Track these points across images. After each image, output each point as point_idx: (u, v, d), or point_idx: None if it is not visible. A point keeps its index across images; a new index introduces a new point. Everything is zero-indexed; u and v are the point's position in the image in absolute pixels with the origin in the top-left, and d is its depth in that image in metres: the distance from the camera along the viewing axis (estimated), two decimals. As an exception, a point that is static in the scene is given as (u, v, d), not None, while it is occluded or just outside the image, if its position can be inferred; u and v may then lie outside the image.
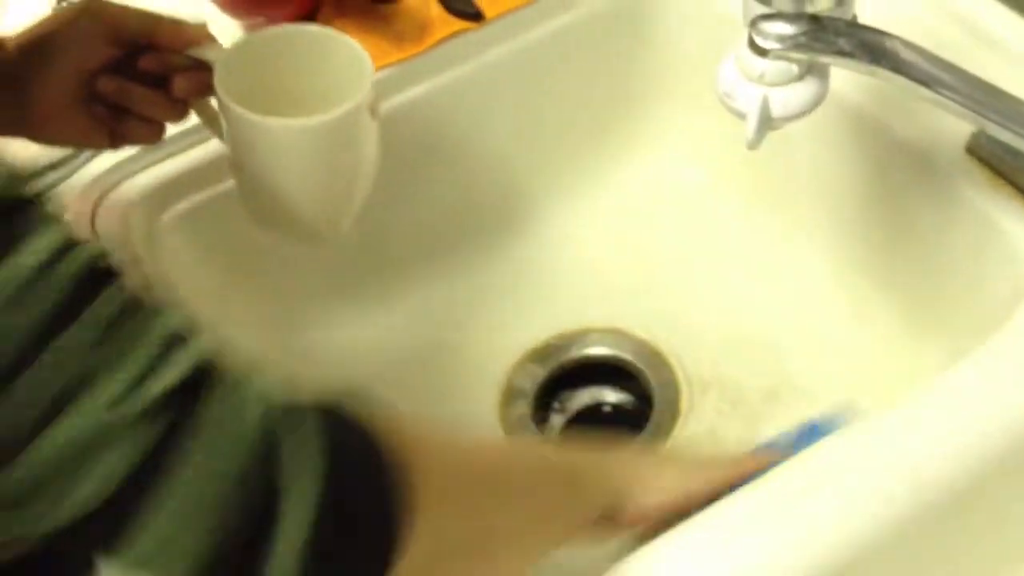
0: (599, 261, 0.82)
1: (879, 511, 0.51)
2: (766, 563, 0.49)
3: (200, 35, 0.60)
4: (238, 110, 0.58)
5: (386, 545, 0.41)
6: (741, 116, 0.51)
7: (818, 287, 0.75)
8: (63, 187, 0.71)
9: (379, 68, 0.74)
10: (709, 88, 0.80)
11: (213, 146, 0.64)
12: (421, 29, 0.77)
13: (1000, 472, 0.53)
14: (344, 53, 0.62)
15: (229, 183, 0.67)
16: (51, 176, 0.71)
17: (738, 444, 0.71)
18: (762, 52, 0.49)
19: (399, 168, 0.73)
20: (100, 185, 0.70)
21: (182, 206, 0.71)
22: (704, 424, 0.72)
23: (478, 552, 0.47)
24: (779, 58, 0.50)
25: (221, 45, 0.60)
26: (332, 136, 0.60)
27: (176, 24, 0.60)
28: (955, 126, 0.64)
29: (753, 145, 0.51)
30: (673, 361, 0.75)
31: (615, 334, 0.77)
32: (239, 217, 0.65)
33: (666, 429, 0.73)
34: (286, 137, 0.59)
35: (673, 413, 0.73)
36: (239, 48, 0.61)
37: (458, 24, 0.77)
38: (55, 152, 0.69)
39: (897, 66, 0.49)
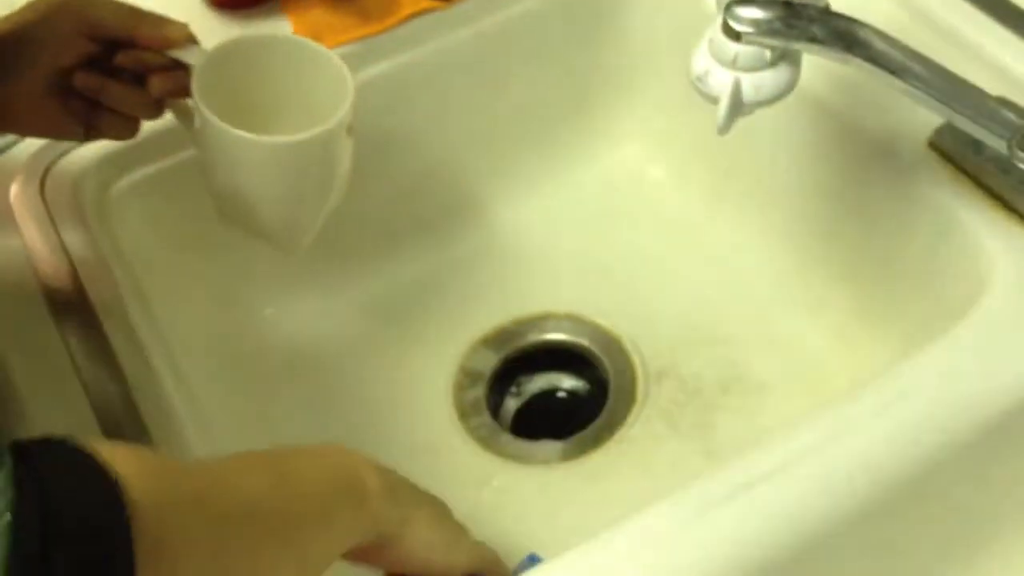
0: (558, 250, 0.82)
1: (834, 502, 0.51)
2: (719, 553, 0.49)
3: (181, 36, 0.58)
4: (214, 120, 0.57)
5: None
6: (713, 100, 0.51)
7: (777, 280, 0.75)
8: (10, 153, 0.70)
9: (341, 43, 0.73)
10: (672, 80, 0.81)
11: (169, 117, 0.62)
12: (386, 6, 0.76)
13: (956, 462, 0.54)
14: (326, 67, 0.61)
15: (185, 154, 0.65)
16: (-2, 142, 0.69)
17: (693, 431, 0.71)
18: (736, 36, 0.49)
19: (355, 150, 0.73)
20: (50, 153, 0.68)
21: (136, 176, 0.70)
22: (658, 412, 0.72)
23: None
24: (752, 43, 0.49)
25: (201, 48, 0.59)
26: (308, 154, 0.59)
27: (157, 23, 0.58)
28: (918, 120, 0.64)
29: (723, 130, 0.51)
30: (630, 348, 0.75)
31: (572, 320, 0.77)
32: (194, 191, 0.64)
33: (620, 416, 0.73)
34: (260, 152, 0.58)
35: (628, 400, 0.73)
36: (219, 52, 0.60)
37: (425, 3, 0.76)
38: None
39: (869, 55, 0.49)
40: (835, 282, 0.72)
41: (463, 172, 0.83)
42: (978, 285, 0.59)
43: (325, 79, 0.60)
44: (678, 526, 0.49)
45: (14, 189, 0.67)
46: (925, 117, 0.61)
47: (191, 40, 0.59)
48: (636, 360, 0.74)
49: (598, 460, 0.70)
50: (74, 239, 0.63)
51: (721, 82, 0.50)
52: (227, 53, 0.60)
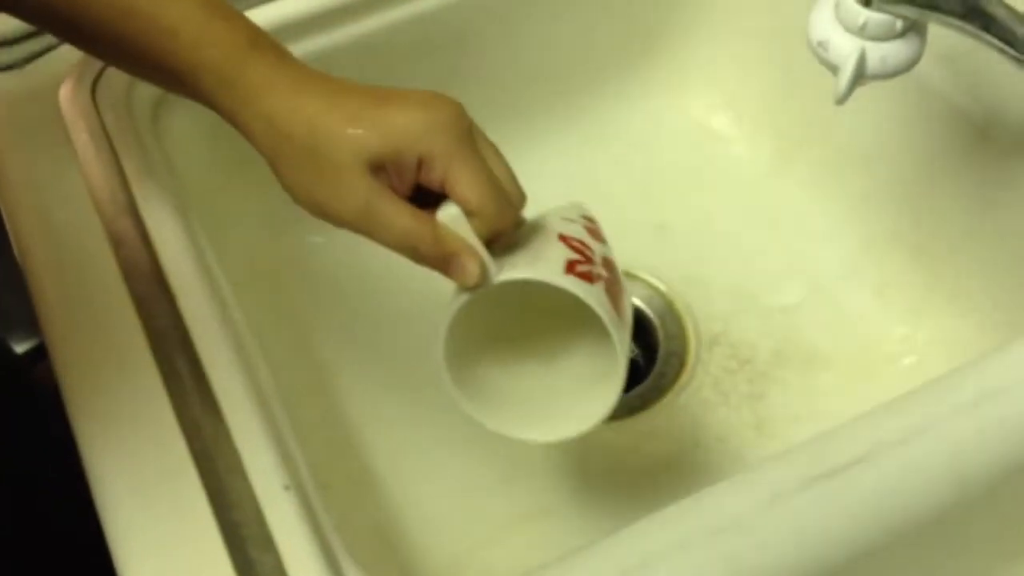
0: (614, 198, 0.78)
1: (913, 501, 0.49)
2: (790, 544, 0.47)
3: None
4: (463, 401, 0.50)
5: None
6: (832, 68, 0.48)
7: (845, 252, 0.72)
8: (59, 52, 0.66)
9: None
10: (749, 32, 0.77)
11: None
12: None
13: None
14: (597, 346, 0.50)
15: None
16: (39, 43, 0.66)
17: (744, 401, 0.69)
18: (866, 1, 0.46)
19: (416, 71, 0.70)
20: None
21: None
22: (709, 379, 0.70)
23: None
24: (884, 10, 0.46)
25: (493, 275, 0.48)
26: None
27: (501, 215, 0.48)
28: (1021, 100, 0.61)
29: (842, 100, 0.48)
30: (683, 311, 0.72)
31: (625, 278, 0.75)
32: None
33: (670, 381, 0.70)
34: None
35: (678, 365, 0.70)
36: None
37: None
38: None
39: (1006, 37, 0.46)
40: (910, 260, 0.69)
41: (515, 114, 0.80)
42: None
43: (591, 355, 0.53)
44: (751, 510, 0.47)
45: (64, 91, 0.63)
46: (1027, 98, 0.59)
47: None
48: (689, 324, 0.72)
49: (644, 423, 0.68)
50: (126, 148, 0.60)
51: (844, 50, 0.47)
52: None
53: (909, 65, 0.48)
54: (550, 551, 0.47)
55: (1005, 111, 0.62)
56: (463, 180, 0.46)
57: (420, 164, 0.47)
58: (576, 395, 0.51)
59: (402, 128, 0.47)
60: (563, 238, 0.50)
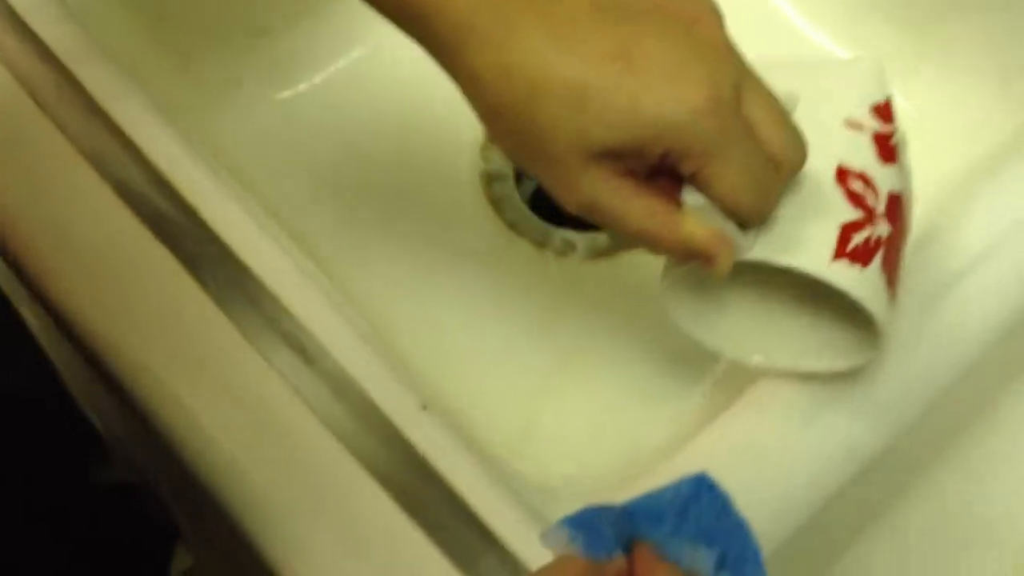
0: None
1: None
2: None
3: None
4: None
5: None
6: None
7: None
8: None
9: None
10: None
11: None
12: None
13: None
14: None
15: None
16: None
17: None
18: None
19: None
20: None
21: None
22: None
23: None
24: None
25: None
26: None
27: None
28: None
29: None
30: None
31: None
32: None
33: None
34: None
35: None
36: None
37: None
38: None
39: None
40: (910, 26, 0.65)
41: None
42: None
43: None
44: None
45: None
46: None
47: None
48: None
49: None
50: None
51: None
52: None
53: None
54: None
55: None
56: (723, 181, 0.38)
57: (667, 154, 0.37)
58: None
59: (646, 119, 0.36)
60: (842, 176, 0.41)
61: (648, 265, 0.64)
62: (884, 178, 0.42)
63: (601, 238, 0.64)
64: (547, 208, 0.66)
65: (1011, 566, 0.50)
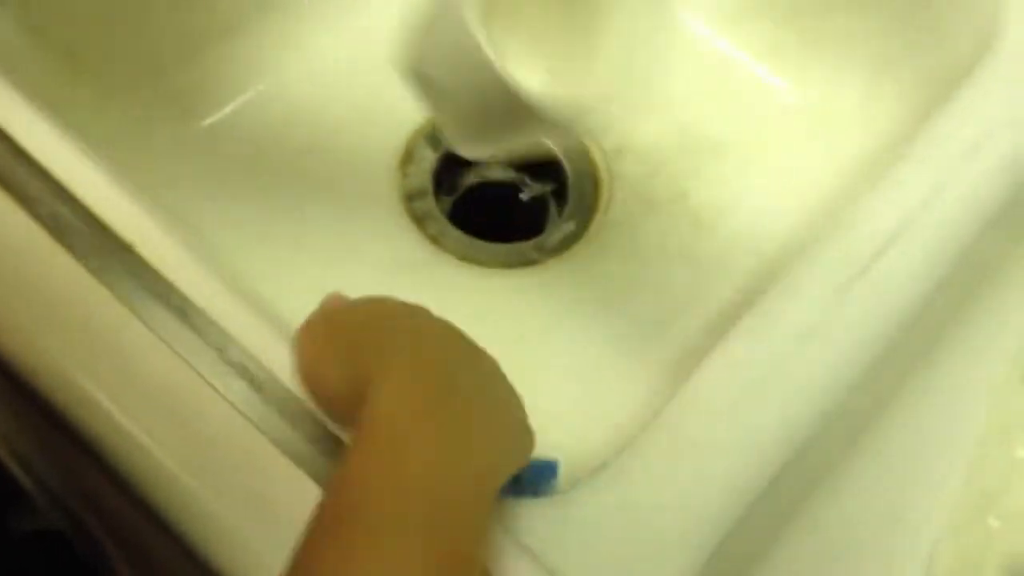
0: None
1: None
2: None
3: None
4: None
5: None
6: None
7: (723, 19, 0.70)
8: None
9: None
10: None
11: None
12: None
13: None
14: None
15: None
16: None
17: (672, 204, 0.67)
18: None
19: None
20: None
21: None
22: (630, 191, 0.67)
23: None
24: None
25: None
26: None
27: None
28: None
29: None
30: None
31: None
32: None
33: (591, 201, 0.67)
34: None
35: (593, 184, 0.67)
36: None
37: None
38: None
39: None
40: (794, 18, 0.67)
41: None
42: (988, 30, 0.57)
43: None
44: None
45: None
46: None
47: None
48: (588, 140, 0.68)
49: (581, 252, 0.64)
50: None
51: None
52: None
53: None
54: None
55: None
56: None
57: None
58: None
59: None
60: None
61: (572, 275, 0.65)
62: None
63: (525, 250, 0.65)
64: (469, 222, 0.67)
65: (927, 554, 0.51)
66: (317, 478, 0.39)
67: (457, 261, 0.63)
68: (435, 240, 0.64)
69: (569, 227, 0.65)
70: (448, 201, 0.67)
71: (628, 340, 0.61)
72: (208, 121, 0.65)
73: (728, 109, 0.69)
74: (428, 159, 0.67)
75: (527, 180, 0.68)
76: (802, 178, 0.66)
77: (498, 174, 0.68)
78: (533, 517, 0.40)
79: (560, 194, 0.67)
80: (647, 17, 0.64)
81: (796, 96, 0.69)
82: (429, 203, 0.66)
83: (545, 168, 0.68)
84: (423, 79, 0.51)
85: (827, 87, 0.67)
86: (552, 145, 0.67)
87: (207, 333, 0.42)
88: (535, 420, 0.41)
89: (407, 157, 0.67)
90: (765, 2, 0.68)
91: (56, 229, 0.43)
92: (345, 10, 0.70)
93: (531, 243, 0.64)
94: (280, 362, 0.41)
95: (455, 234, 0.64)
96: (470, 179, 0.68)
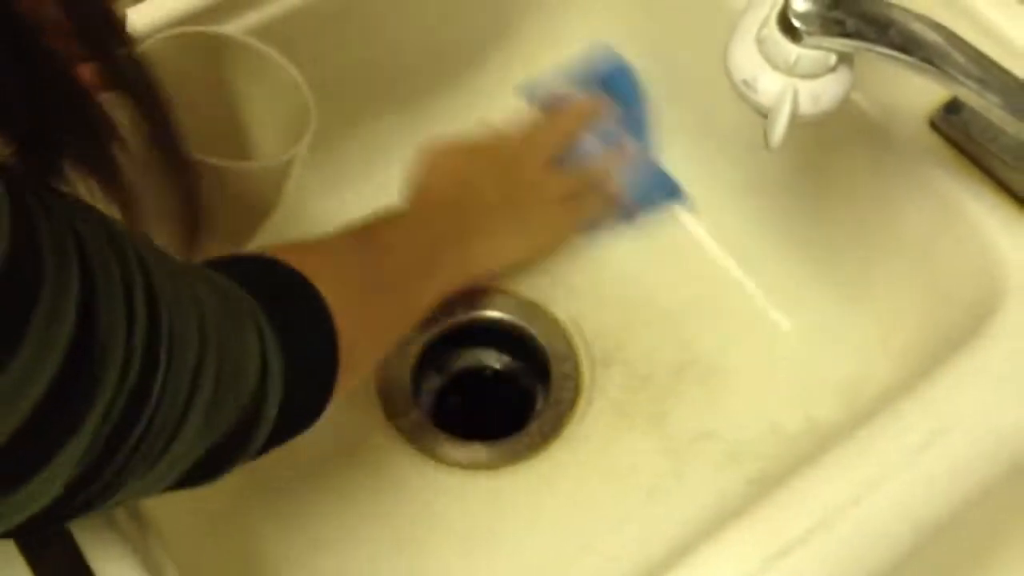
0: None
1: (877, 555, 0.47)
2: None
3: None
4: None
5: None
6: (762, 112, 0.43)
7: (745, 262, 0.68)
8: None
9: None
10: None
11: None
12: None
13: (987, 496, 0.50)
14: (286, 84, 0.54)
15: None
16: None
17: (647, 420, 0.65)
18: (797, 36, 0.41)
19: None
20: None
21: None
22: (609, 404, 0.65)
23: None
24: (815, 45, 0.41)
25: None
26: (261, 178, 0.54)
27: None
28: (918, 98, 0.58)
29: (775, 146, 0.43)
30: (572, 331, 0.67)
31: (504, 295, 0.68)
32: None
33: (567, 408, 0.65)
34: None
35: (574, 390, 0.66)
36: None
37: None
38: None
39: (943, 65, 0.41)
40: (818, 267, 0.65)
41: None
42: (988, 290, 0.55)
43: (282, 93, 0.54)
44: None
45: None
46: (926, 94, 0.56)
47: None
48: (579, 344, 0.67)
49: (548, 462, 0.63)
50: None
51: (774, 90, 0.42)
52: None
53: (841, 100, 0.43)
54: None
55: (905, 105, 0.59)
56: None
57: None
58: None
59: None
60: None
61: (527, 484, 0.64)
62: None
63: (478, 451, 0.64)
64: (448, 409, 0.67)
65: None
66: None
67: (413, 450, 0.63)
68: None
69: (536, 433, 0.64)
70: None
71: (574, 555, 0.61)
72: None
73: (727, 334, 0.67)
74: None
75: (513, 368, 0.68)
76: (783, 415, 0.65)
77: (486, 360, 0.69)
78: None
79: (534, 394, 0.66)
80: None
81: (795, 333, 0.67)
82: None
83: (532, 358, 0.68)
84: None
85: (828, 331, 0.66)
86: (541, 344, 0.67)
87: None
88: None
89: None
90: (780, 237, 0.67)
91: None
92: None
93: (495, 445, 0.64)
94: None
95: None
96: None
